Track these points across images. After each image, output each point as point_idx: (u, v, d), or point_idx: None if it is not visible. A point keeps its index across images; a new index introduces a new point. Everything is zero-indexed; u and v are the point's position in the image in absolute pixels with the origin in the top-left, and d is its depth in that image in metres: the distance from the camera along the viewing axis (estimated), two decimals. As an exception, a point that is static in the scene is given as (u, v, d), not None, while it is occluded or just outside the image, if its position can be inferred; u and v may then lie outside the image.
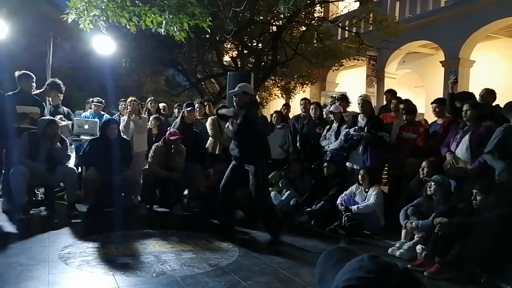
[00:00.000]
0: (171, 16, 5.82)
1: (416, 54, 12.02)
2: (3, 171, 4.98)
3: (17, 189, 4.56)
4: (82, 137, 6.06)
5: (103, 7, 6.03)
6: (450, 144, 4.43)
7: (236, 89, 4.45)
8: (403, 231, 4.09)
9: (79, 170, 5.97)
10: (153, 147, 5.58)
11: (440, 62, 10.47)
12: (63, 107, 6.10)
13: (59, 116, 5.48)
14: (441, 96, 6.56)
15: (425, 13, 10.88)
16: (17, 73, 5.17)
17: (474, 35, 9.81)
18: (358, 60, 11.53)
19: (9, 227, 4.28)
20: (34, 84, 5.25)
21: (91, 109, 7.10)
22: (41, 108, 5.26)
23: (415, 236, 3.93)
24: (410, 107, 5.48)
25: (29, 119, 5.00)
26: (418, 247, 3.76)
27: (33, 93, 5.26)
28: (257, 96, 9.88)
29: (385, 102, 7.05)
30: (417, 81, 12.57)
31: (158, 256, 3.48)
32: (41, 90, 5.53)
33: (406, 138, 5.31)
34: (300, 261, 3.60)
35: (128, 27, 6.08)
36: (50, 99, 5.73)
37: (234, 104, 4.45)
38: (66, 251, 3.50)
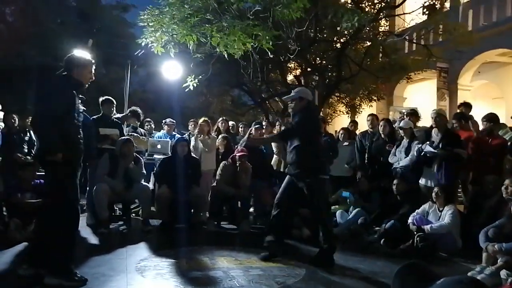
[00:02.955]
0: (235, 38, 6.09)
1: (493, 63, 11.22)
2: (87, 188, 5.43)
3: (99, 205, 4.95)
4: (155, 156, 6.44)
5: (174, 35, 6.49)
6: (537, 160, 4.07)
7: (292, 94, 4.22)
8: (484, 254, 3.78)
9: (152, 187, 6.33)
10: (221, 165, 5.76)
11: (522, 71, 9.69)
12: (140, 128, 6.58)
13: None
14: (524, 108, 6.05)
15: (502, 20, 10.17)
16: (101, 99, 5.68)
17: (560, 40, 8.98)
18: (427, 71, 11.01)
19: (92, 240, 4.65)
20: (114, 108, 5.74)
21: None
22: (120, 129, 5.70)
23: (498, 260, 3.62)
24: (491, 115, 5.16)
25: (110, 140, 5.44)
26: (503, 272, 3.46)
27: (113, 116, 5.74)
28: (321, 113, 9.82)
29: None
30: (496, 92, 11.70)
31: (227, 272, 3.56)
32: (122, 115, 6.02)
33: (484, 152, 4.96)
34: (369, 282, 3.49)
35: (190, 47, 6.46)
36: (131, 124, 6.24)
37: (290, 111, 4.24)
38: (142, 264, 3.72)
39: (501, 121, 5.75)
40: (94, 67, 3.35)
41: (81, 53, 3.51)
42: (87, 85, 3.32)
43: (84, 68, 3.26)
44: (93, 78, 3.34)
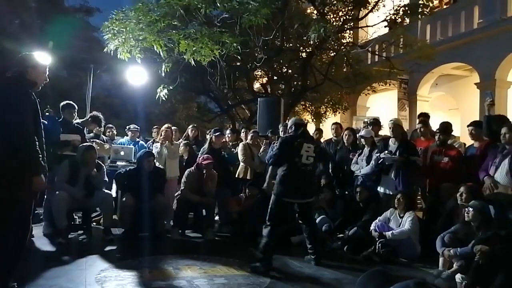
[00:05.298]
0: (201, 45, 6.11)
1: (449, 76, 11.79)
2: (45, 196, 5.20)
3: (57, 214, 4.75)
4: (118, 163, 6.27)
5: (140, 38, 6.41)
6: (488, 168, 4.28)
7: None
8: (441, 259, 3.94)
9: (115, 195, 6.15)
10: (186, 172, 5.69)
11: (475, 84, 10.22)
12: (103, 135, 6.38)
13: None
14: (477, 119, 6.39)
15: (457, 35, 10.73)
16: (61, 104, 5.47)
17: (511, 56, 9.54)
18: (390, 84, 11.43)
19: (50, 251, 4.45)
20: (75, 113, 5.54)
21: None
22: (82, 135, 5.52)
23: (454, 265, 3.78)
24: (445, 127, 5.39)
25: (71, 147, 5.25)
26: (458, 276, 3.60)
27: (74, 121, 5.54)
28: (287, 121, 9.94)
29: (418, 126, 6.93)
30: (451, 104, 12.28)
31: (191, 281, 3.51)
32: (82, 120, 5.82)
33: (439, 161, 5.19)
34: (333, 289, 3.53)
35: (161, 53, 6.41)
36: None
37: None
38: (103, 275, 3.60)
39: (457, 130, 6.05)
40: (47, 69, 3.15)
41: (36, 54, 3.28)
42: (40, 87, 3.12)
43: (38, 68, 3.04)
44: (47, 79, 3.13)
